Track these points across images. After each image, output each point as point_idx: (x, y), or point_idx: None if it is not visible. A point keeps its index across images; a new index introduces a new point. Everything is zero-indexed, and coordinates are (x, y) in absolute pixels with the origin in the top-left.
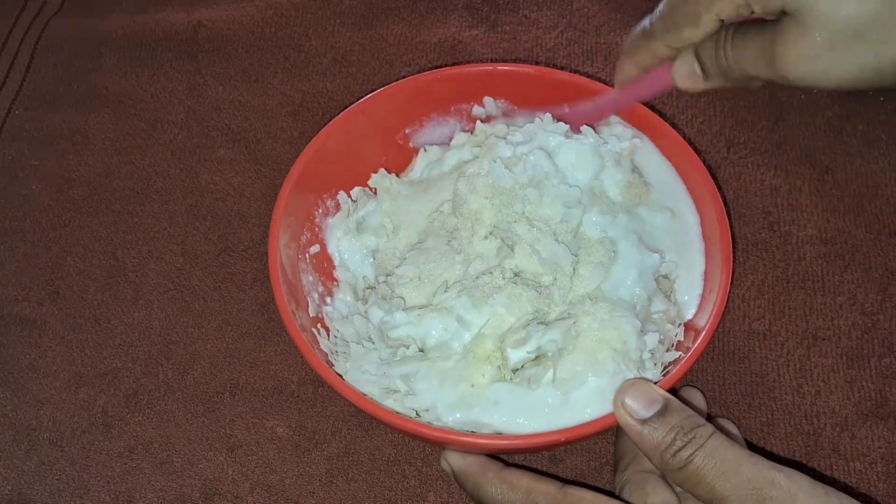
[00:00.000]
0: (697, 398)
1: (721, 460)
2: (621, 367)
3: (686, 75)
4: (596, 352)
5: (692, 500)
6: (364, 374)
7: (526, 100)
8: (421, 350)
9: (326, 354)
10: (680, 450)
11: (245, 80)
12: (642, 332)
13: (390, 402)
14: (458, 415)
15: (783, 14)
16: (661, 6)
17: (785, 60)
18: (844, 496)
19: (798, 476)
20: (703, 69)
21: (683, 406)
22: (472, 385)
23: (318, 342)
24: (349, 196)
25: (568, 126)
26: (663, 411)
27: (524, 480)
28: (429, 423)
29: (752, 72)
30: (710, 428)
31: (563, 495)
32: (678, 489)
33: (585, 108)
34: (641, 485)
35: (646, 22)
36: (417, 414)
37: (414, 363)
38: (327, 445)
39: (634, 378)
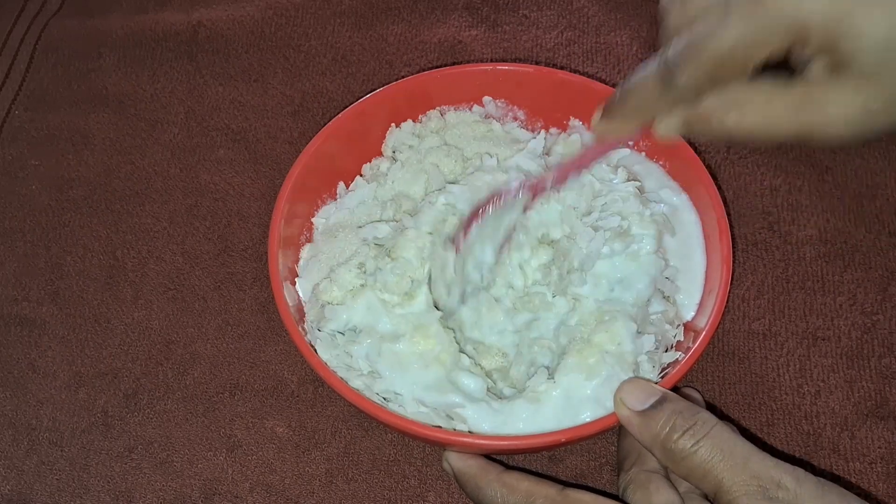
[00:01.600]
0: (695, 398)
1: (729, 452)
2: (615, 369)
3: (671, 129)
4: (588, 356)
5: (695, 501)
6: (331, 348)
7: (525, 100)
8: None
9: None
10: (681, 436)
11: (245, 80)
12: (639, 333)
13: (358, 384)
14: (428, 400)
15: (831, 62)
16: (677, 57)
17: (834, 119)
18: (850, 495)
19: (804, 476)
20: (687, 127)
21: (681, 397)
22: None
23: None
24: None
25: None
26: (661, 401)
27: (524, 483)
28: (428, 423)
29: (778, 131)
30: (711, 416)
31: (563, 498)
32: (682, 489)
33: (563, 166)
34: (645, 485)
35: (655, 73)
36: (385, 400)
37: (375, 344)
38: (327, 445)
39: (632, 377)
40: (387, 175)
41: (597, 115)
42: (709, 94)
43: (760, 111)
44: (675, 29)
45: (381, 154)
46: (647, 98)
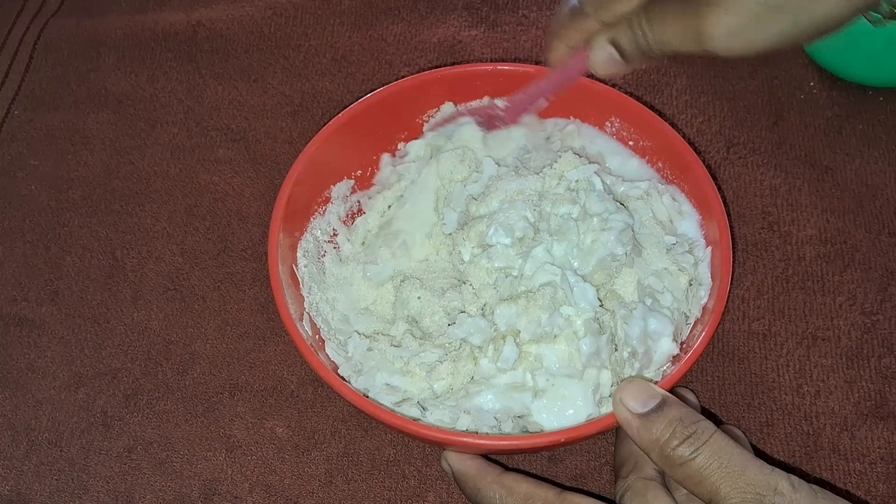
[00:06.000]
0: (689, 398)
1: (727, 461)
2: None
3: (604, 61)
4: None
5: None
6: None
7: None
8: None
9: (327, 355)
10: (681, 444)
11: (245, 80)
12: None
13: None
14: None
15: None
16: None
17: (712, 35)
18: (844, 502)
19: (799, 483)
20: (620, 52)
21: (681, 402)
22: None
23: None
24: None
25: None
26: (661, 405)
27: (523, 486)
28: (429, 424)
29: (675, 48)
30: (710, 424)
31: (561, 501)
32: (679, 495)
33: (518, 97)
34: (642, 492)
35: (574, 0)
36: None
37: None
38: (327, 446)
39: (632, 376)
40: (401, 196)
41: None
42: (607, 13)
43: (664, 27)
44: None
45: (380, 154)
46: (567, 19)
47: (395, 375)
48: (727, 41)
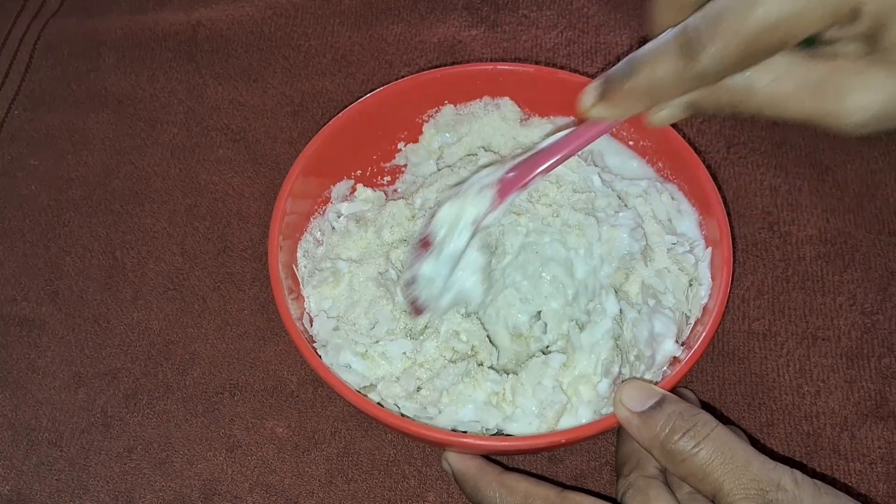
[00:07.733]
0: (689, 398)
1: (731, 456)
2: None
3: (671, 117)
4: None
5: None
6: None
7: (525, 100)
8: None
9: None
10: (681, 437)
11: (245, 80)
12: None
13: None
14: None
15: (865, 47)
16: (705, 29)
17: (853, 107)
18: (847, 497)
19: (802, 478)
20: (697, 108)
21: (680, 399)
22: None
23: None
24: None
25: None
26: (661, 402)
27: (523, 485)
28: (430, 425)
29: (789, 112)
30: (711, 417)
31: (562, 499)
32: (681, 494)
33: (542, 153)
34: (644, 490)
35: (674, 48)
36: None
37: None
38: (327, 445)
39: (632, 377)
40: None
41: (589, 96)
42: (731, 76)
43: (775, 85)
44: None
45: (380, 154)
46: (661, 77)
47: (356, 357)
48: (863, 116)
